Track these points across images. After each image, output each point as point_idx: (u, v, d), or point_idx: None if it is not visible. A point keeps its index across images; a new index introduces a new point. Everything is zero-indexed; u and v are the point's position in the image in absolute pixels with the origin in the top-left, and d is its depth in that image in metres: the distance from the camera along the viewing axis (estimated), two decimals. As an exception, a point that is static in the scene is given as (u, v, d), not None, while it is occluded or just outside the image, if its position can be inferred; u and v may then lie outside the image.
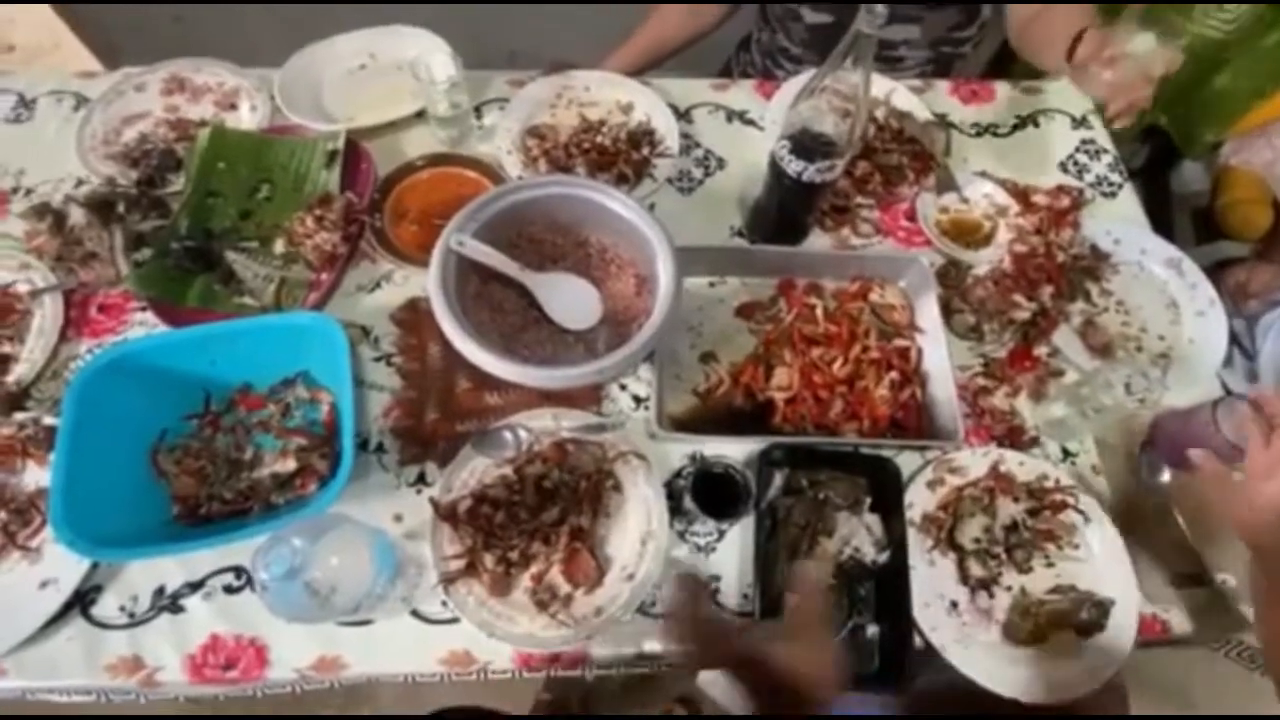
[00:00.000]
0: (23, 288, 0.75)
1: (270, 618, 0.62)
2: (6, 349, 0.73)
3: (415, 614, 0.64)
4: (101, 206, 0.77)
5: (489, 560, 0.64)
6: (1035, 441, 0.75)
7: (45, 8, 1.56)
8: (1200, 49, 1.41)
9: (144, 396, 0.66)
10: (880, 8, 0.56)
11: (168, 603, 0.64)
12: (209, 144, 0.81)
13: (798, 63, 1.07)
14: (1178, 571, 0.71)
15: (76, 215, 0.76)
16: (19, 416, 0.68)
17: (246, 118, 0.88)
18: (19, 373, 0.71)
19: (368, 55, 0.94)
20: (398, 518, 0.68)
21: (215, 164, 0.81)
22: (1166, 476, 0.74)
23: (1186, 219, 1.69)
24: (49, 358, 0.72)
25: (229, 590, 0.64)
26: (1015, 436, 0.75)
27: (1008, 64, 1.39)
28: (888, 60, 1.01)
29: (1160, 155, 1.71)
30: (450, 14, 0.97)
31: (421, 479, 0.70)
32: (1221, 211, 1.59)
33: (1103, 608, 0.66)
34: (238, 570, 0.65)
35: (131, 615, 0.63)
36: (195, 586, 0.64)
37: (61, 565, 0.63)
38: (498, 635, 0.62)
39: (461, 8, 1.06)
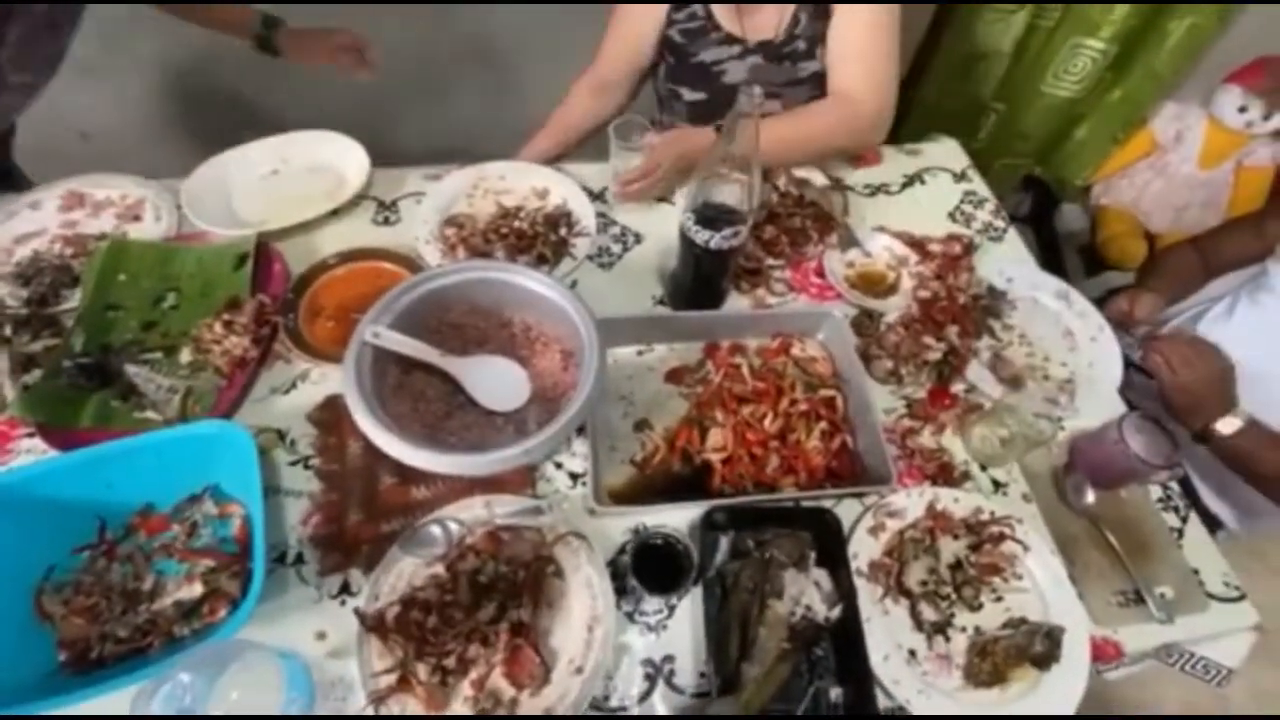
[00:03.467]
0: (-111, 423, 0.69)
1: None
2: None
3: (342, 744, 0.58)
4: (-15, 330, 0.72)
5: (422, 671, 0.59)
6: (966, 476, 0.77)
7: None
8: (1059, 106, 1.60)
9: (29, 530, 0.60)
10: (757, 89, 0.60)
11: (47, 770, 0.55)
12: (107, 257, 0.79)
13: None
14: (1119, 590, 0.72)
15: (-43, 341, 0.71)
16: (-127, 571, 0.60)
17: (151, 228, 0.86)
18: (-122, 520, 0.63)
19: (280, 160, 0.95)
20: (320, 635, 0.62)
21: (115, 276, 0.78)
22: (1091, 497, 0.76)
23: (1074, 255, 1.85)
24: (-84, 499, 0.65)
25: (123, 746, 0.57)
26: (947, 473, 0.77)
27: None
28: None
29: (1042, 200, 1.89)
30: (354, 115, 1.00)
31: (345, 589, 0.65)
32: (1102, 246, 1.76)
33: (1054, 637, 0.66)
34: (134, 720, 0.58)
35: (8, 790, 0.54)
36: (85, 746, 0.56)
37: (-84, 742, 0.54)
38: (438, 755, 0.57)
39: (362, 111, 1.09)
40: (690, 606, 0.67)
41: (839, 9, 0.92)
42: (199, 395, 0.72)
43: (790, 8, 0.94)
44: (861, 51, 0.93)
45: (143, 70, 1.47)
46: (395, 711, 0.58)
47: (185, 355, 0.74)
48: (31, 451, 0.70)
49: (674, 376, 0.81)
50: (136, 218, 0.88)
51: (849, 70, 0.94)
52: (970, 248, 0.94)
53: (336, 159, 0.94)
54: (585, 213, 0.93)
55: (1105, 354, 0.88)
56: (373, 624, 0.61)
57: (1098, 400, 0.83)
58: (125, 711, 0.57)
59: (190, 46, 1.42)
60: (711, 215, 0.71)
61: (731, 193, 0.69)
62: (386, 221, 0.92)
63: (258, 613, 0.56)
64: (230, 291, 0.78)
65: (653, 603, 0.66)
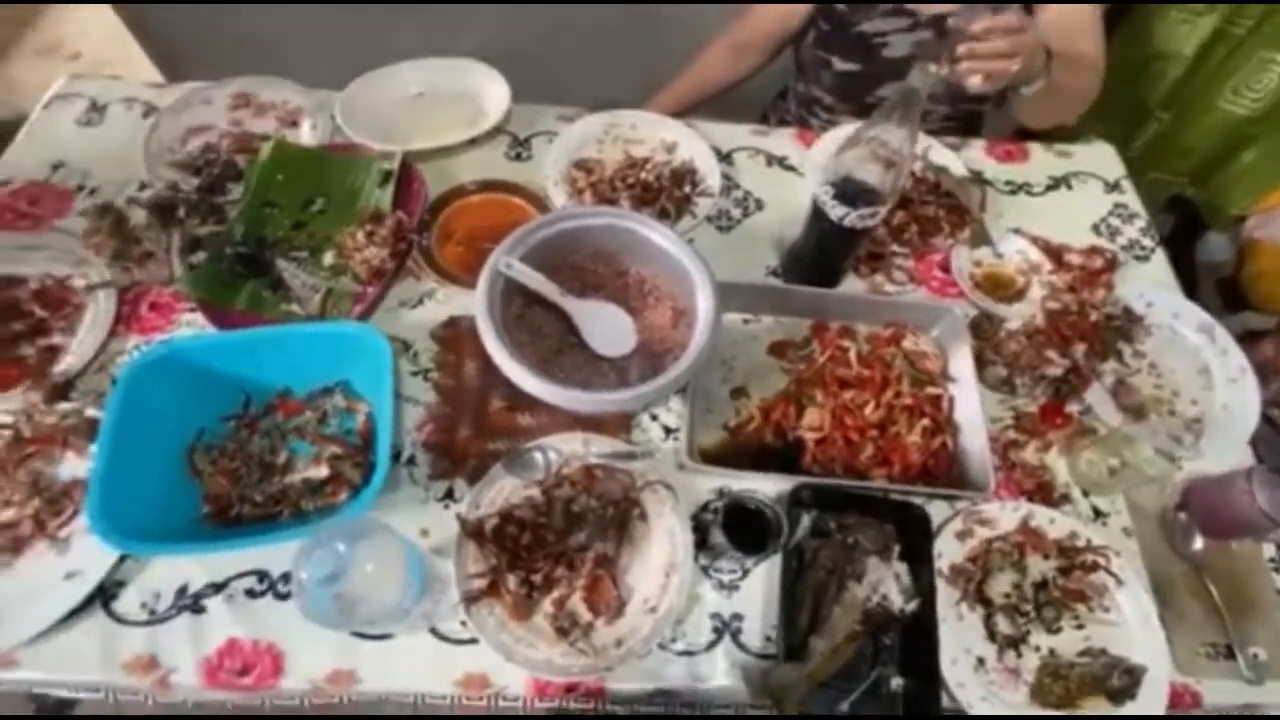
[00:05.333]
0: (78, 282, 0.78)
1: (289, 625, 0.63)
2: (56, 340, 0.74)
3: (434, 632, 0.63)
4: (163, 209, 0.80)
5: (512, 582, 0.64)
6: (1066, 499, 0.75)
7: (116, 21, 1.64)
8: (1232, 124, 1.45)
9: (186, 395, 0.67)
10: (933, 67, 0.58)
11: (189, 602, 0.63)
12: (270, 156, 0.84)
13: (830, 111, 1.11)
14: (1210, 642, 0.69)
15: (137, 216, 0.79)
16: (62, 407, 0.70)
17: (307, 135, 0.92)
18: (67, 364, 0.73)
19: (427, 83, 0.99)
20: (424, 532, 0.68)
21: (274, 176, 0.84)
22: (1199, 544, 0.73)
23: (1211, 287, 1.69)
24: (97, 351, 0.74)
25: (250, 594, 0.64)
26: (1045, 493, 0.74)
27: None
28: None
29: (1187, 224, 1.73)
30: (500, 50, 1.02)
31: (450, 495, 0.70)
32: (1247, 282, 1.60)
33: (1134, 675, 0.64)
34: (261, 574, 0.65)
35: (152, 613, 0.63)
36: (218, 588, 0.64)
37: (88, 557, 0.63)
38: (516, 660, 0.61)
39: (511, 45, 1.10)
40: (764, 573, 0.68)
41: None
42: (337, 297, 0.78)
43: None
44: (1094, 19, 0.93)
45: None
46: (484, 613, 0.63)
47: (328, 258, 0.79)
48: (191, 324, 0.78)
49: (777, 349, 0.81)
50: (294, 123, 0.94)
51: (1085, 39, 0.93)
52: (1113, 264, 0.88)
53: (480, 89, 0.96)
54: (711, 172, 0.92)
55: (1243, 399, 0.82)
56: (472, 531, 0.66)
57: (1225, 445, 0.78)
58: (257, 565, 0.65)
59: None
60: (851, 192, 0.70)
61: (877, 173, 0.67)
62: (519, 157, 0.95)
63: (374, 503, 0.61)
64: (373, 204, 0.83)
65: (729, 562, 0.68)
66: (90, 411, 0.69)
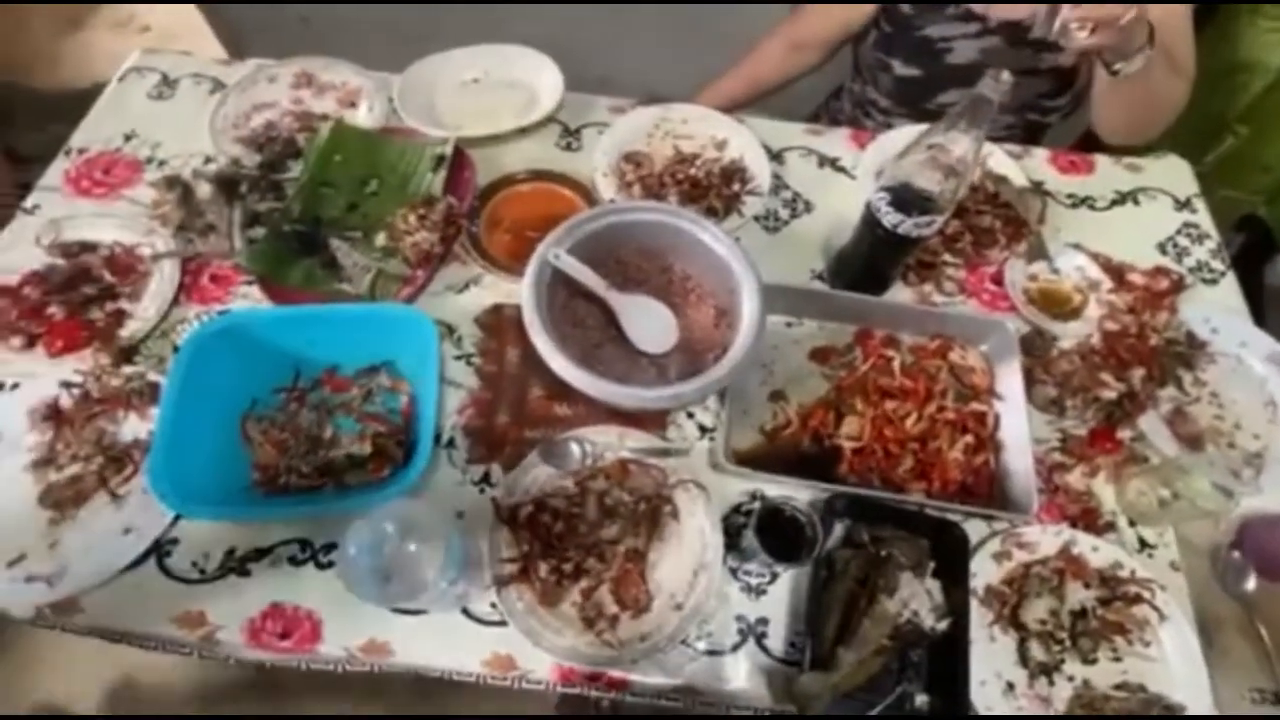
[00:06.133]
0: (145, 251, 0.81)
1: (328, 593, 0.65)
2: (124, 305, 0.78)
3: (465, 612, 0.65)
4: (227, 184, 0.82)
5: (543, 568, 0.65)
6: (1111, 527, 0.72)
7: (187, -3, 1.69)
8: (1312, 144, 1.37)
9: (244, 365, 0.70)
10: (1006, 75, 0.56)
11: (236, 565, 0.66)
12: (329, 137, 0.86)
13: (886, 114, 1.08)
14: (1257, 687, 0.67)
15: (204, 190, 0.82)
16: (127, 370, 0.73)
17: (364, 116, 0.94)
18: (132, 329, 0.76)
19: (481, 70, 0.99)
20: (459, 514, 0.69)
21: (332, 156, 0.86)
22: (1252, 584, 0.70)
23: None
24: (160, 318, 0.77)
25: (293, 561, 0.67)
26: (1090, 519, 0.72)
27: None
28: None
29: (1257, 246, 1.64)
30: (546, 37, 1.02)
31: (486, 479, 0.71)
32: (1320, 311, 1.51)
33: (1173, 712, 0.62)
34: (304, 543, 0.67)
35: (202, 572, 0.66)
36: (263, 553, 0.67)
37: (144, 515, 0.66)
38: (543, 645, 0.62)
39: (558, 32, 1.10)
40: (791, 579, 0.68)
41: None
42: (387, 278, 0.80)
43: None
44: (1189, 24, 0.88)
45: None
46: (514, 597, 0.64)
47: (380, 239, 0.81)
48: (247, 297, 0.81)
49: (819, 355, 0.80)
50: (353, 104, 0.96)
51: (1182, 43, 0.88)
52: (1179, 286, 0.85)
53: (533, 77, 0.97)
54: (761, 171, 0.91)
55: (1311, 437, 0.78)
56: (507, 516, 0.67)
57: (1288, 484, 0.74)
58: (300, 534, 0.68)
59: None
60: (908, 199, 0.68)
61: (937, 181, 0.66)
62: (569, 147, 0.95)
63: (414, 482, 0.63)
64: (424, 188, 0.85)
65: (758, 565, 0.68)
66: (152, 376, 0.73)
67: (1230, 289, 0.89)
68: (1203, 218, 0.95)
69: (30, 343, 0.75)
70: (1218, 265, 0.90)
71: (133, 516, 0.67)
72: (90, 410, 0.71)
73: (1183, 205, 0.96)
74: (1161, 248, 0.91)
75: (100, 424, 0.71)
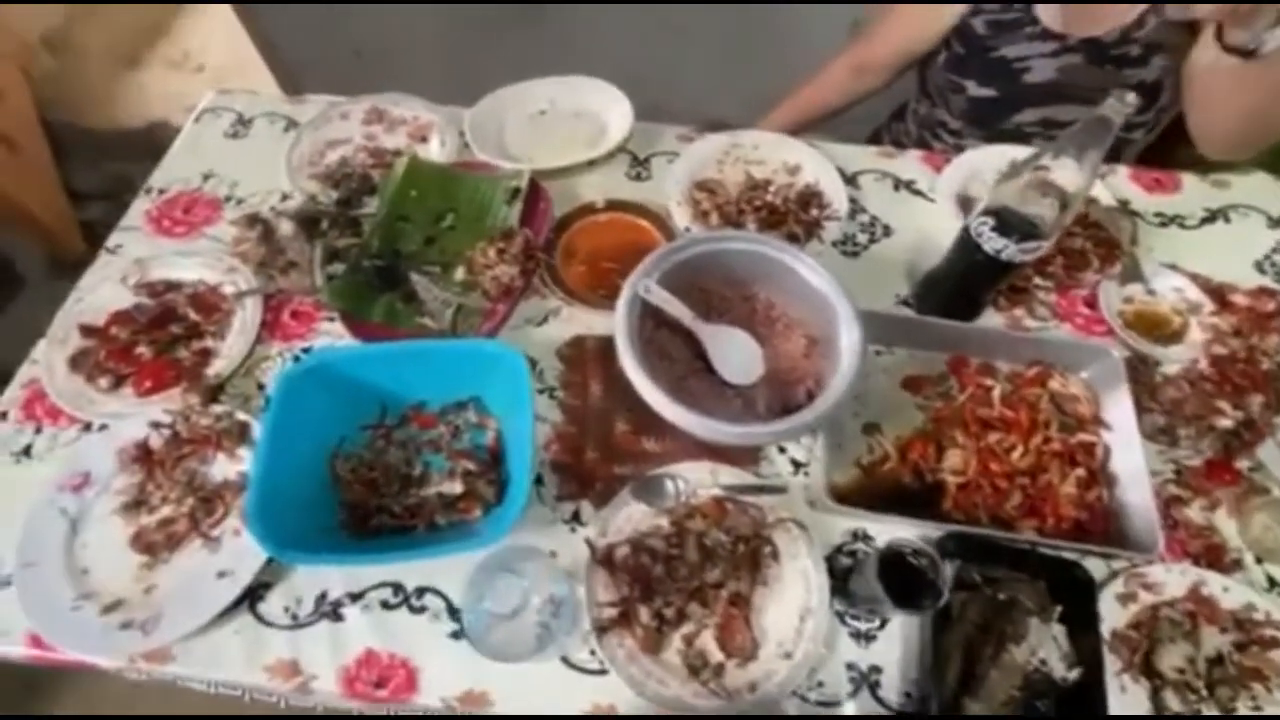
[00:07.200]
0: (229, 289, 0.81)
1: (421, 640, 0.64)
2: (209, 344, 0.78)
3: (564, 660, 0.63)
4: (308, 221, 0.83)
5: (644, 614, 0.63)
6: (1238, 565, 0.68)
7: (241, 35, 1.74)
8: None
9: (333, 403, 0.69)
10: (1131, 96, 0.54)
11: (329, 610, 0.65)
12: (404, 173, 0.87)
13: (957, 135, 1.06)
14: None
15: (285, 227, 0.82)
16: (215, 409, 0.73)
17: (436, 151, 0.94)
18: (218, 367, 0.76)
19: (548, 101, 1.00)
20: (552, 553, 0.67)
21: (408, 191, 0.86)
22: (1398, 627, 0.65)
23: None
24: (245, 356, 0.77)
25: (385, 606, 0.65)
26: (1215, 556, 0.68)
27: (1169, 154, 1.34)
28: (1049, 139, 0.98)
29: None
30: (611, 68, 1.02)
31: (576, 517, 0.69)
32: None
33: (1329, 772, 0.58)
34: (396, 587, 0.66)
35: (295, 617, 0.64)
36: (355, 597, 0.65)
37: (238, 558, 0.65)
38: (647, 695, 0.60)
39: (622, 62, 1.11)
40: (900, 625, 0.65)
41: None
42: (468, 312, 0.79)
43: (1140, 6, 0.83)
44: None
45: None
46: (614, 643, 0.62)
47: (459, 274, 0.81)
48: (329, 334, 0.80)
49: (911, 385, 0.77)
50: (424, 139, 0.96)
51: None
52: (1288, 307, 0.81)
53: (602, 108, 0.97)
54: (837, 195, 0.89)
55: None
56: (603, 558, 0.65)
57: None
58: (392, 578, 0.66)
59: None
60: (1012, 223, 0.66)
61: (1045, 206, 0.63)
62: (639, 177, 0.95)
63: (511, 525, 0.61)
64: (500, 221, 0.84)
65: (866, 609, 0.65)
66: (240, 415, 0.72)
67: (1338, 308, 0.85)
68: (1301, 233, 0.91)
69: (118, 383, 0.75)
70: (1326, 284, 0.86)
71: (226, 560, 0.65)
72: (180, 451, 0.70)
73: (1276, 223, 0.92)
74: (1259, 266, 0.88)
75: (190, 464, 0.70)
